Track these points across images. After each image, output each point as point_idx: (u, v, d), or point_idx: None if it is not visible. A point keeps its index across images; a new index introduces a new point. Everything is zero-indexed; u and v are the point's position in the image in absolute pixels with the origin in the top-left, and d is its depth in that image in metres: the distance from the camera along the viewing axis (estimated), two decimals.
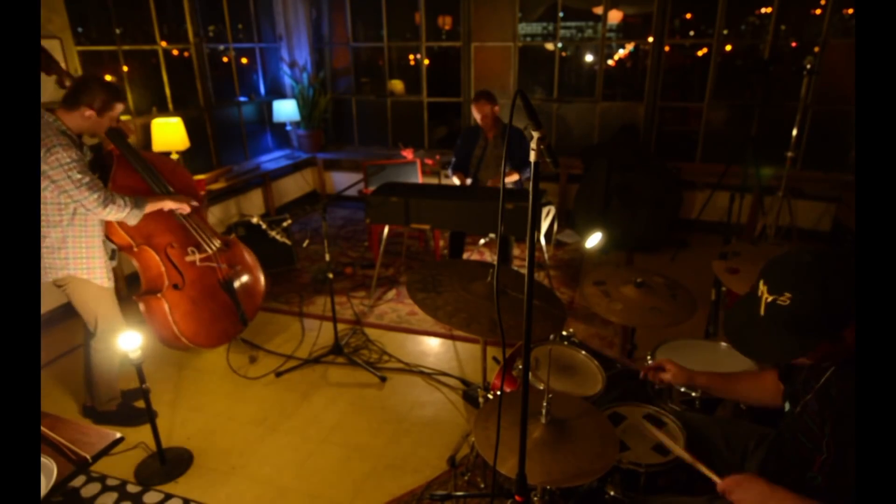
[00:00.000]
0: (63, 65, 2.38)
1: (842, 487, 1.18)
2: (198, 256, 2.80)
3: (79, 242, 2.31)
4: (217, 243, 2.89)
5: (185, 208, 2.64)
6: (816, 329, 1.14)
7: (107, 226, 2.45)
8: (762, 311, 1.20)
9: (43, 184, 2.15)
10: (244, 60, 5.65)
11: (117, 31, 4.18)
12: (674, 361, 1.74)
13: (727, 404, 1.91)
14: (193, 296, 2.77)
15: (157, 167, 2.68)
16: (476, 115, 3.94)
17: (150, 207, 2.47)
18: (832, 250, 1.16)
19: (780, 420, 1.43)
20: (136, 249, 2.59)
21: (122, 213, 2.32)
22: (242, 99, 5.58)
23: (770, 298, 1.17)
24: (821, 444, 1.23)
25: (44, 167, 2.11)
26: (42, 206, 2.22)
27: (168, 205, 2.57)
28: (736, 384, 1.66)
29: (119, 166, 2.53)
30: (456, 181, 4.05)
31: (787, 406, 1.40)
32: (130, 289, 2.86)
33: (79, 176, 2.16)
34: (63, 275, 2.32)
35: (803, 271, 1.14)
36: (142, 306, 2.67)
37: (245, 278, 3.06)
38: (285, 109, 5.69)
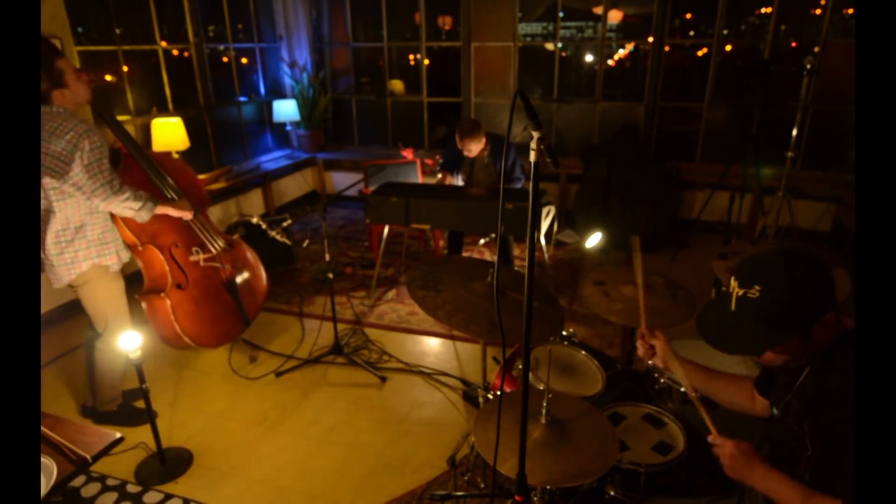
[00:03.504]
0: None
1: (825, 483, 1.19)
2: (202, 256, 2.80)
3: (95, 229, 2.32)
4: (221, 243, 2.89)
5: (186, 215, 2.64)
6: (786, 322, 1.16)
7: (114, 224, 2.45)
8: (732, 306, 1.23)
9: (74, 170, 2.12)
10: (244, 60, 5.65)
11: (117, 31, 4.18)
12: (665, 338, 1.66)
13: None
14: (196, 295, 2.77)
15: (164, 166, 2.68)
16: (473, 151, 3.82)
17: (160, 210, 2.47)
18: (800, 247, 1.21)
19: (769, 426, 1.45)
20: (140, 248, 2.59)
21: (135, 205, 2.31)
22: (242, 99, 5.58)
23: (740, 292, 1.21)
24: (804, 442, 1.25)
25: (76, 154, 2.11)
26: (72, 199, 2.22)
27: (170, 212, 2.56)
28: (712, 379, 1.62)
29: (126, 164, 2.52)
30: (439, 176, 4.04)
31: (774, 411, 1.41)
32: (131, 287, 2.84)
33: (105, 161, 2.19)
34: (87, 266, 2.31)
35: (772, 264, 1.18)
36: (144, 305, 2.67)
37: (248, 278, 3.06)
38: (285, 109, 5.69)
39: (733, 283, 1.23)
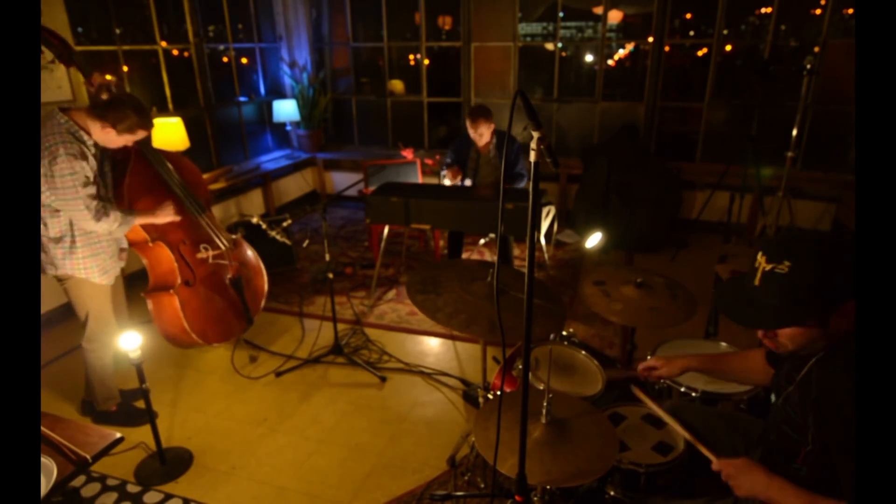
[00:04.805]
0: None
1: (825, 479, 1.19)
2: (211, 253, 2.81)
3: (86, 240, 2.30)
4: (226, 241, 2.90)
5: (175, 219, 2.57)
6: (809, 303, 1.15)
7: None
8: (757, 281, 1.22)
9: (43, 186, 2.11)
10: (244, 60, 5.65)
11: (117, 31, 4.18)
12: (661, 357, 1.78)
13: (727, 402, 1.92)
14: (203, 292, 2.78)
15: (170, 160, 2.68)
16: (474, 136, 3.75)
17: (139, 221, 2.44)
18: (834, 235, 1.18)
19: (768, 417, 1.44)
20: (150, 245, 2.59)
21: (112, 226, 2.29)
22: (242, 99, 5.58)
23: (768, 267, 1.19)
24: (806, 436, 1.24)
25: (46, 171, 2.08)
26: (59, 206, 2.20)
27: (157, 220, 2.51)
28: (725, 363, 1.70)
29: (137, 160, 2.51)
30: (447, 182, 3.91)
31: (772, 398, 1.41)
32: (134, 286, 2.84)
33: (79, 188, 2.13)
34: (61, 273, 2.31)
35: (806, 243, 1.17)
36: (150, 303, 2.66)
37: (251, 276, 3.08)
38: (285, 109, 5.69)
39: (760, 258, 1.22)
